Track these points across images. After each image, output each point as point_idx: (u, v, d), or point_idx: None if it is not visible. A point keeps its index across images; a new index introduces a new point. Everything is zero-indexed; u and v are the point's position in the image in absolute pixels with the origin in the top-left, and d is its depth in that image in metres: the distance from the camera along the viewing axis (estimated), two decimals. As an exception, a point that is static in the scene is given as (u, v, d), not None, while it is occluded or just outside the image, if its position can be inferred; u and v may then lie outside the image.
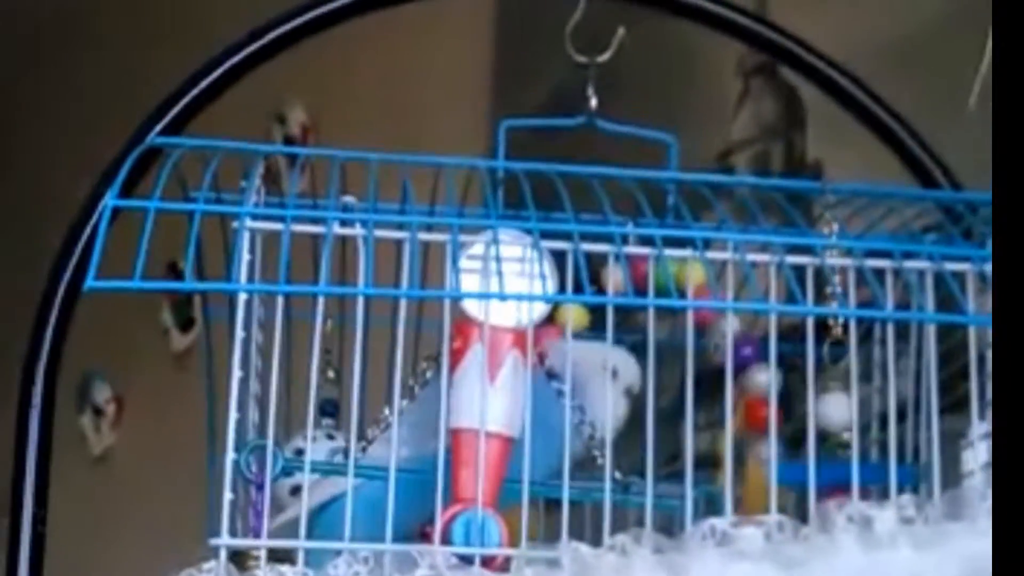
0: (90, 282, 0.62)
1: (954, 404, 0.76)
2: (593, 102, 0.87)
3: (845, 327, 0.78)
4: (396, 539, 0.66)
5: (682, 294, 0.70)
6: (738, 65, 1.39)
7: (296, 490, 0.78)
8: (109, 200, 0.65)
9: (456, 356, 0.69)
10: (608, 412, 0.70)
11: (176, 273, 2.37)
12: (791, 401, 0.79)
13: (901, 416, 0.83)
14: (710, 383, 0.73)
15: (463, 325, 0.70)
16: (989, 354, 0.76)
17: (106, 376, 2.53)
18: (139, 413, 2.49)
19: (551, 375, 0.74)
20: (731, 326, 0.69)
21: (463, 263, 0.68)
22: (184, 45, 1.04)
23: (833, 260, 0.70)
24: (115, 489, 2.45)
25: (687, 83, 1.45)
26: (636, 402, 0.76)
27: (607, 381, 0.73)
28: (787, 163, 1.35)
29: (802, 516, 0.68)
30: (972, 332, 0.72)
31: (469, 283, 0.68)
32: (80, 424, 2.54)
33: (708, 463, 0.76)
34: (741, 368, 0.77)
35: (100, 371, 2.51)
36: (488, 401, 0.68)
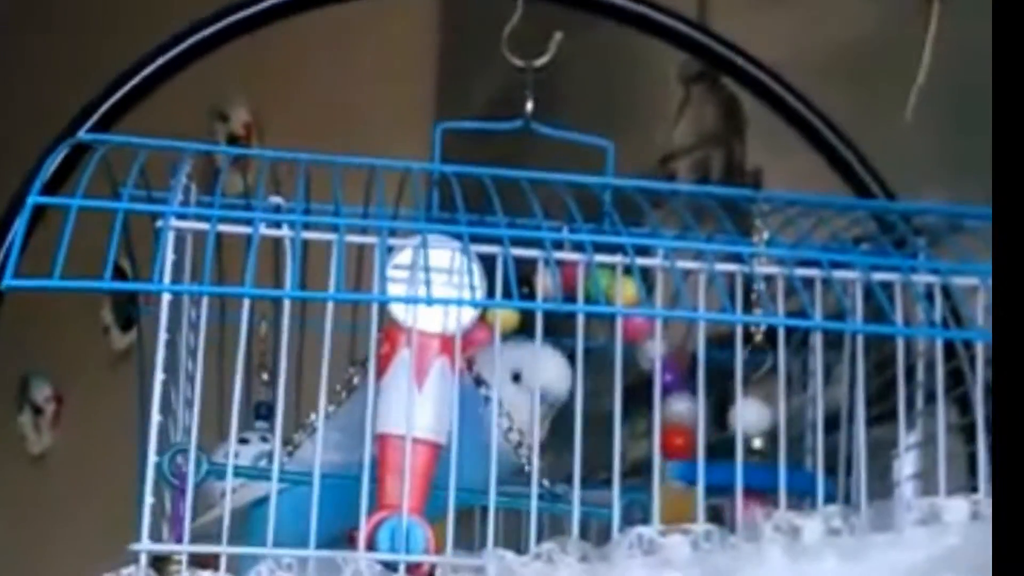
0: (8, 280, 0.61)
1: (885, 414, 0.76)
2: (529, 106, 0.86)
3: (767, 335, 0.78)
4: (323, 545, 0.65)
5: (611, 303, 0.70)
6: (679, 72, 1.39)
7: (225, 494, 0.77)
8: (31, 197, 0.64)
9: (384, 361, 0.69)
10: (530, 419, 0.70)
11: (119, 272, 2.35)
12: (712, 407, 0.79)
13: (833, 426, 0.83)
14: (639, 394, 0.73)
15: (391, 330, 0.69)
16: (919, 365, 0.77)
17: (47, 375, 2.51)
18: (79, 412, 2.47)
19: (479, 381, 0.73)
20: (659, 339, 0.69)
21: (393, 267, 0.68)
22: (137, 32, 1.03)
23: (763, 269, 0.70)
24: (53, 489, 2.43)
25: (628, 89, 1.46)
26: (566, 408, 0.75)
27: (506, 384, 0.73)
28: (727, 171, 1.35)
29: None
30: (900, 343, 0.72)
31: (398, 288, 0.67)
32: (19, 423, 2.52)
33: (641, 471, 0.76)
34: (662, 394, 0.77)
35: (40, 370, 2.49)
36: (415, 407, 0.67)
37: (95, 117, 0.88)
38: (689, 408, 0.81)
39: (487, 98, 1.48)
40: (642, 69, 1.43)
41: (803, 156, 1.01)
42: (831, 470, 0.79)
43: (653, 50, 1.41)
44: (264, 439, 0.87)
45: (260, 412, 0.91)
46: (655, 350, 0.71)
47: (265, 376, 0.89)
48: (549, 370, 0.74)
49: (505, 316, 0.74)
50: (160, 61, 0.89)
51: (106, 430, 2.26)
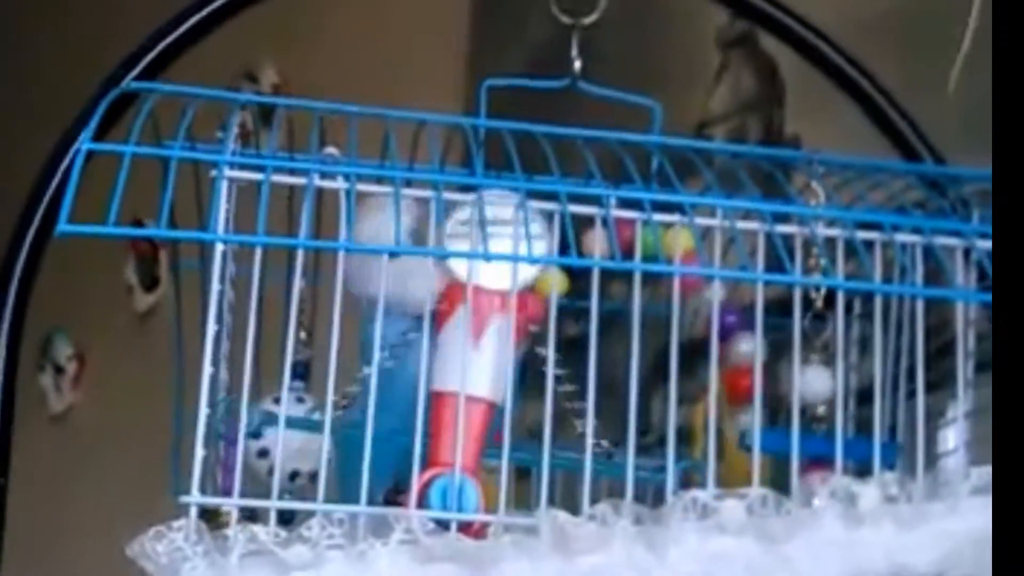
0: (62, 226, 0.60)
1: (933, 383, 0.75)
2: (577, 64, 0.85)
3: (827, 300, 0.77)
4: (371, 502, 0.64)
5: (668, 261, 0.69)
6: (717, 37, 1.38)
7: (263, 453, 0.76)
8: (84, 143, 0.63)
9: (441, 318, 0.68)
10: (590, 375, 0.68)
11: (138, 225, 2.33)
12: (769, 374, 0.78)
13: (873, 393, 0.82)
14: (685, 356, 0.72)
15: (449, 287, 0.68)
16: (970, 333, 0.75)
17: (68, 333, 2.51)
18: (100, 372, 2.47)
19: (536, 341, 0.72)
20: (717, 294, 0.68)
21: (451, 226, 0.67)
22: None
23: (823, 230, 0.68)
24: (74, 448, 2.43)
25: (666, 52, 1.44)
26: (611, 371, 0.74)
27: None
28: (765, 137, 1.34)
29: (780, 490, 0.67)
30: (960, 309, 0.71)
31: (458, 244, 0.67)
32: (40, 382, 2.52)
33: (681, 438, 0.75)
34: (724, 337, 0.76)
35: (62, 328, 2.49)
36: (472, 365, 0.66)
37: (136, 70, 0.87)
38: (750, 348, 0.78)
39: (523, 57, 1.47)
40: (680, 33, 1.42)
41: (842, 122, 0.99)
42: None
43: (692, 14, 1.40)
44: (300, 400, 0.86)
45: (296, 371, 0.90)
46: (713, 293, 0.69)
47: (303, 335, 0.88)
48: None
49: (555, 280, 0.72)
50: (192, 21, 0.88)
51: (128, 390, 2.27)
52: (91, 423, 2.44)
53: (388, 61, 1.86)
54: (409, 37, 1.86)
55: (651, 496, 0.68)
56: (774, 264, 0.68)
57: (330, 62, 1.96)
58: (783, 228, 0.69)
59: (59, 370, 2.52)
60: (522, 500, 0.70)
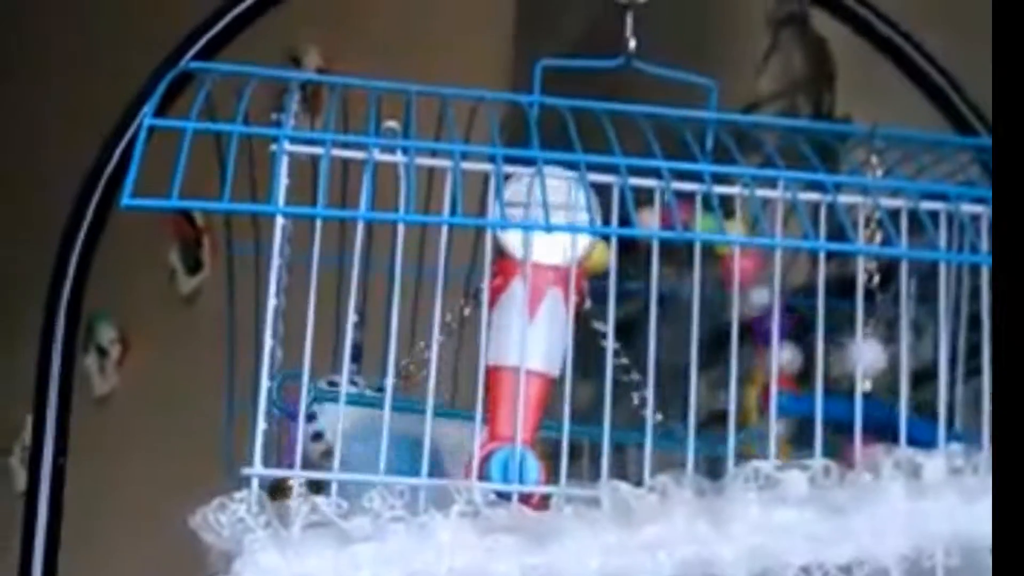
0: (126, 199, 0.60)
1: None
2: (632, 43, 0.85)
3: (885, 279, 0.77)
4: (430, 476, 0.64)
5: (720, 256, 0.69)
6: (768, 16, 1.37)
7: (317, 436, 0.76)
8: (147, 119, 0.63)
9: (495, 293, 0.68)
10: (651, 349, 0.68)
11: (187, 217, 2.36)
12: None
13: (931, 373, 0.81)
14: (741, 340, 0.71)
15: (503, 262, 0.68)
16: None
17: (111, 317, 2.52)
18: (144, 354, 2.48)
19: (592, 315, 0.72)
20: (778, 262, 0.67)
21: (506, 198, 0.67)
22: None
23: (887, 201, 0.68)
24: (118, 430, 2.44)
25: (715, 32, 1.43)
26: (658, 354, 0.74)
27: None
28: (815, 117, 1.33)
29: None
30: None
31: (512, 218, 0.66)
32: (84, 364, 2.53)
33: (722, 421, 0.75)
34: (765, 340, 0.76)
35: (106, 312, 2.50)
36: (527, 338, 0.66)
37: (193, 50, 0.87)
38: (791, 359, 0.79)
39: (568, 37, 1.47)
40: (730, 12, 1.41)
41: (894, 102, 0.99)
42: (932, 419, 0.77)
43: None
44: (353, 382, 0.86)
45: (349, 354, 0.90)
46: (775, 270, 0.69)
47: (355, 317, 0.88)
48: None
49: (601, 256, 0.72)
50: (246, 3, 0.88)
51: (171, 373, 2.28)
52: (134, 406, 2.46)
53: (431, 43, 1.86)
54: (453, 18, 1.86)
55: (705, 473, 0.68)
56: (834, 239, 0.68)
57: (372, 44, 1.96)
58: (847, 198, 0.68)
59: (103, 353, 2.53)
60: (571, 477, 0.70)
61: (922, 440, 0.69)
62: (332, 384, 0.84)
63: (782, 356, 0.80)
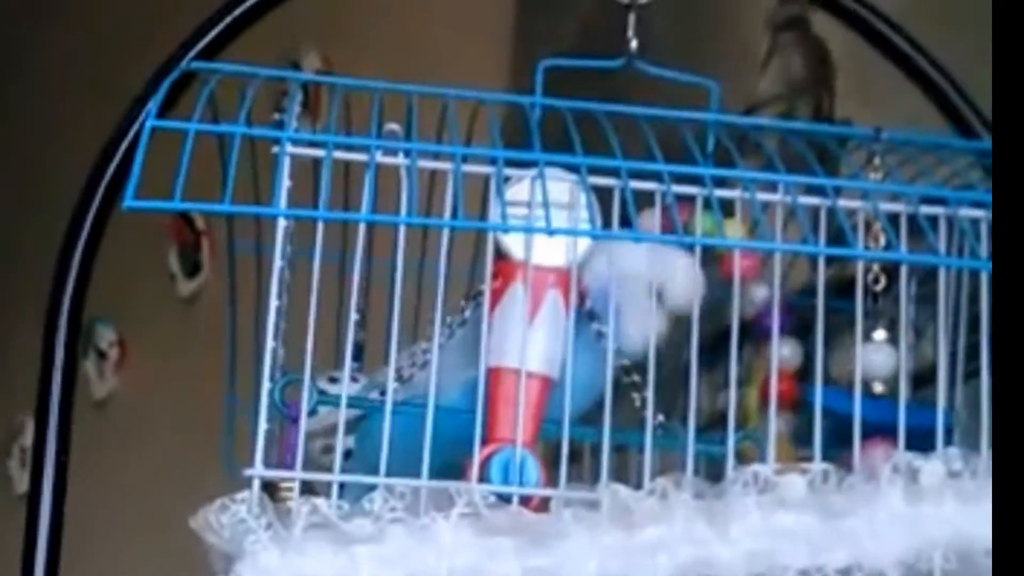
0: (129, 201, 0.60)
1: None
2: (634, 44, 0.85)
3: (888, 282, 0.77)
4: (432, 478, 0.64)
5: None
6: (768, 19, 1.37)
7: (312, 435, 0.76)
8: (149, 121, 0.63)
9: (495, 295, 0.68)
10: (651, 351, 0.68)
11: (186, 220, 2.36)
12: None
13: (932, 374, 0.81)
14: (742, 339, 0.71)
15: (503, 265, 0.68)
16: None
17: (110, 320, 2.52)
18: (142, 357, 2.48)
19: (591, 316, 0.72)
20: (778, 265, 0.67)
21: (506, 198, 0.67)
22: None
23: (884, 206, 0.68)
24: (117, 433, 2.44)
25: (715, 35, 1.44)
26: (673, 350, 0.74)
27: (651, 303, 0.69)
28: (815, 120, 1.33)
29: None
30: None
31: (514, 219, 0.67)
32: (83, 367, 2.53)
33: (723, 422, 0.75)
34: (767, 336, 0.76)
35: (104, 315, 2.50)
36: (527, 341, 0.66)
37: (195, 50, 0.87)
38: (792, 353, 0.79)
39: (568, 40, 1.47)
40: (729, 15, 1.41)
41: (894, 107, 0.99)
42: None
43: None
44: (354, 380, 0.86)
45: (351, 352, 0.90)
46: (771, 284, 0.70)
47: (357, 317, 0.88)
48: (682, 279, 0.70)
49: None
50: (245, 5, 0.88)
51: (169, 375, 2.27)
52: (133, 409, 2.46)
53: (430, 46, 1.86)
54: (452, 21, 1.86)
55: (705, 475, 0.68)
56: (834, 242, 0.68)
57: (372, 48, 1.96)
58: (847, 203, 0.68)
59: (101, 356, 2.53)
60: (570, 478, 0.70)
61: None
62: (333, 380, 0.84)
63: (782, 351, 0.80)
